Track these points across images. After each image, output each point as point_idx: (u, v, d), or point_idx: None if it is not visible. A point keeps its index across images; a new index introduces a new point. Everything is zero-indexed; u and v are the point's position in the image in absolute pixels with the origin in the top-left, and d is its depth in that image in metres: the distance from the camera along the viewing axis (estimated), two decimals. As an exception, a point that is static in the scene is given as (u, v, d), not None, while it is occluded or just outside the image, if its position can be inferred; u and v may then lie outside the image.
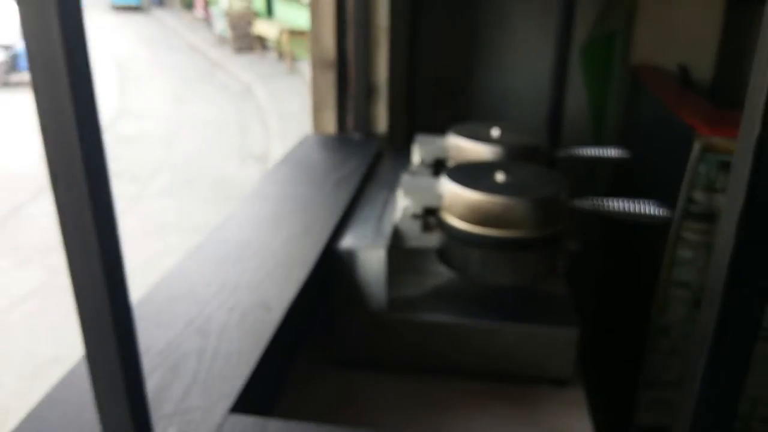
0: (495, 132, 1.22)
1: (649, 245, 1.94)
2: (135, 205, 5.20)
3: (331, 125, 1.46)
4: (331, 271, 0.92)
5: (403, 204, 0.99)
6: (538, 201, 0.92)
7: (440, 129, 1.24)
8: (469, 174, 0.99)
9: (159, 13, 17.41)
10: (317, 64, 1.43)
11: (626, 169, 2.27)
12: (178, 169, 6.20)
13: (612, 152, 1.22)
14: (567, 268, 1.03)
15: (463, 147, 1.18)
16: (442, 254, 0.99)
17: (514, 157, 1.16)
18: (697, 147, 1.64)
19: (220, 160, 6.51)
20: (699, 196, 1.68)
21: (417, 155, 1.24)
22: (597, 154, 1.22)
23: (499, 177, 0.97)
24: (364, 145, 1.38)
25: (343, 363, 0.97)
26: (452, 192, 0.94)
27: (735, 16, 2.36)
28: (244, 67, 10.43)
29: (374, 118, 1.48)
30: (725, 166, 1.66)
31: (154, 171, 6.14)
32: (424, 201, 0.98)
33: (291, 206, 1.04)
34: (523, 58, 2.70)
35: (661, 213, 0.96)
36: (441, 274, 1.02)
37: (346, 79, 1.41)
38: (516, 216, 0.92)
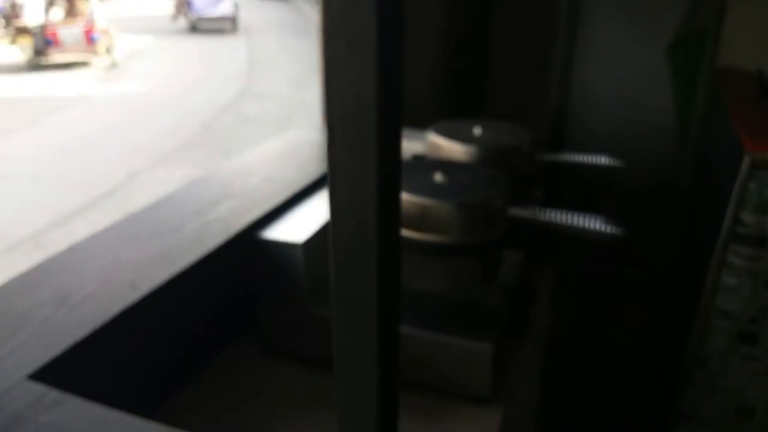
0: (477, 131, 1.16)
1: (692, 269, 1.77)
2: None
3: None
4: (258, 260, 0.93)
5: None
6: (464, 205, 0.87)
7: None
8: (406, 174, 0.95)
9: (299, 2, 18.22)
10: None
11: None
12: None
13: (603, 159, 1.12)
14: (513, 277, 0.97)
15: (440, 145, 1.14)
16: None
17: (490, 157, 1.10)
18: (746, 163, 1.47)
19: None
20: (748, 217, 1.51)
21: (395, 151, 1.21)
22: (586, 160, 1.13)
23: (437, 178, 0.93)
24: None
25: (271, 353, 0.97)
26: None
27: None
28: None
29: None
30: (782, 186, 1.47)
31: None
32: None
33: (238, 190, 1.06)
34: (603, 57, 2.54)
35: (607, 230, 0.87)
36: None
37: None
38: (440, 219, 0.87)
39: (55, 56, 10.57)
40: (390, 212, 0.35)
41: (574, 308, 2.64)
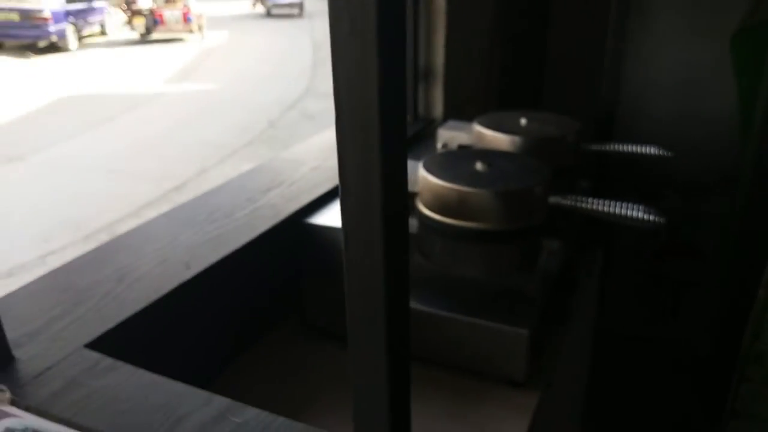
0: (522, 122, 1.17)
1: (752, 263, 1.72)
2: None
3: (386, 107, 1.49)
4: (304, 244, 0.97)
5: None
6: (502, 193, 0.88)
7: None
8: (447, 163, 0.97)
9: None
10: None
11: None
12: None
13: (652, 149, 1.11)
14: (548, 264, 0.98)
15: (485, 135, 1.15)
16: (416, 240, 0.99)
17: (534, 147, 1.11)
18: (808, 154, 1.42)
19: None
20: (808, 210, 1.45)
21: (440, 141, 1.23)
22: (635, 150, 1.12)
23: (478, 167, 0.95)
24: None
25: (317, 332, 1.02)
26: (423, 179, 0.94)
27: None
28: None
29: (431, 102, 1.48)
30: None
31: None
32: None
33: (288, 178, 1.10)
34: (665, 48, 2.48)
35: (650, 218, 0.87)
36: (415, 259, 1.02)
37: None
38: (480, 207, 0.89)
39: (160, 33, 14.25)
40: (395, 184, 0.37)
41: (631, 302, 2.59)
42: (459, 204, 0.89)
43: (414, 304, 0.94)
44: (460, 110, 1.57)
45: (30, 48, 12.14)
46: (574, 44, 2.14)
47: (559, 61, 2.52)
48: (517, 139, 1.12)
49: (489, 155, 0.99)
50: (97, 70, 10.97)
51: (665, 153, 1.10)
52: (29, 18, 11.63)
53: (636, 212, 0.88)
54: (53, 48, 12.35)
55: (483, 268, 0.94)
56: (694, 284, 2.48)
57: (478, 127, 1.16)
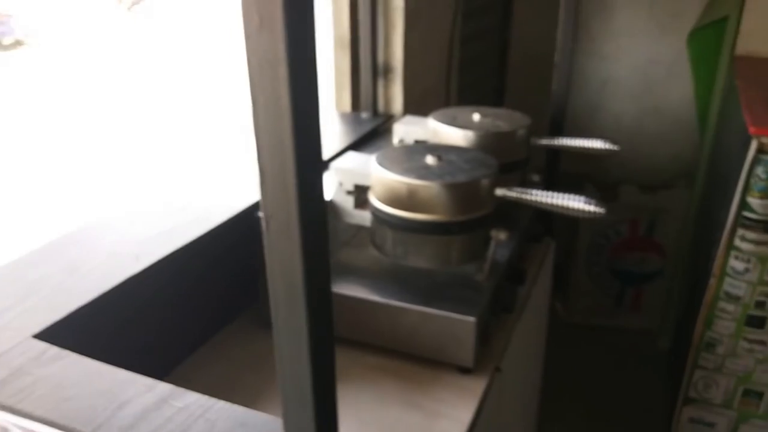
0: (475, 117, 1.20)
1: (704, 255, 1.78)
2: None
3: (347, 104, 1.51)
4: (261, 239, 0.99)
5: (336, 180, 1.03)
6: (451, 185, 0.91)
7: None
8: (400, 157, 1.00)
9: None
10: (337, 45, 1.48)
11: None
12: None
13: (599, 144, 1.14)
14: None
15: (439, 130, 1.18)
16: (369, 233, 1.02)
17: (485, 142, 1.14)
18: (753, 147, 1.48)
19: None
20: (754, 201, 1.51)
21: (397, 136, 1.26)
22: (582, 145, 1.16)
23: (429, 161, 0.97)
24: (362, 123, 1.42)
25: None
26: (375, 173, 0.96)
27: None
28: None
29: (391, 99, 1.51)
30: (790, 170, 1.48)
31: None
32: (354, 179, 1.02)
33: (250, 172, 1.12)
34: (626, 45, 2.54)
35: (590, 208, 0.91)
36: (369, 251, 1.05)
37: (359, 59, 1.45)
38: (428, 199, 0.92)
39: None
40: (311, 170, 0.39)
41: (595, 294, 2.65)
42: (409, 197, 0.92)
43: (368, 295, 0.97)
44: (420, 106, 1.60)
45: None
46: (536, 41, 2.19)
47: (523, 58, 2.57)
48: (469, 133, 1.15)
49: (440, 149, 1.02)
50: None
51: (613, 147, 1.14)
52: None
53: (577, 203, 0.91)
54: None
55: (433, 258, 0.97)
56: (656, 276, 2.55)
57: (432, 123, 1.19)
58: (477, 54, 2.13)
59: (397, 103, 1.50)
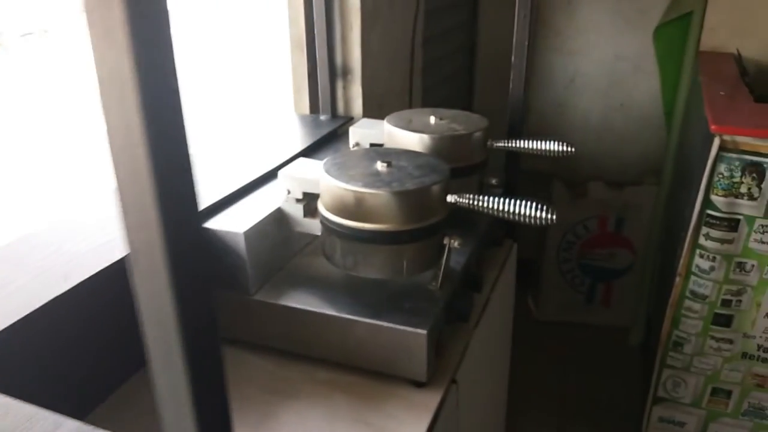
0: (432, 120, 1.17)
1: (671, 254, 1.77)
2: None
3: (306, 106, 1.47)
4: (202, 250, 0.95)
5: (285, 187, 1.00)
6: (400, 193, 0.88)
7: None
8: (347, 163, 0.96)
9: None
10: (294, 46, 1.44)
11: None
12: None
13: (555, 146, 1.12)
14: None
15: (394, 134, 1.15)
16: (321, 242, 0.98)
17: (441, 146, 1.11)
18: (715, 144, 1.46)
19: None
20: (718, 199, 1.50)
21: (352, 138, 1.23)
22: (539, 147, 1.13)
23: (378, 167, 0.94)
24: (320, 126, 1.38)
25: (226, 341, 1.00)
26: (322, 180, 0.93)
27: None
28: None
29: (350, 100, 1.47)
30: (753, 168, 1.47)
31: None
32: (303, 187, 0.98)
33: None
34: (593, 42, 2.52)
35: (541, 215, 0.88)
36: (320, 261, 1.01)
37: (316, 60, 1.41)
38: (376, 208, 0.88)
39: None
40: (177, 199, 0.34)
41: (566, 291, 2.64)
42: (357, 205, 0.89)
43: (317, 308, 0.93)
44: (383, 108, 1.57)
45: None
46: (505, 39, 2.17)
47: (492, 57, 2.54)
48: (424, 137, 1.12)
49: (392, 155, 0.99)
50: None
51: (569, 150, 1.12)
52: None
53: (528, 209, 0.88)
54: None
55: (384, 269, 0.94)
56: (626, 272, 2.55)
57: (387, 126, 1.16)
58: (442, 54, 2.10)
59: (357, 105, 1.47)
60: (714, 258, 1.55)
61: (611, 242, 2.54)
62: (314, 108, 1.46)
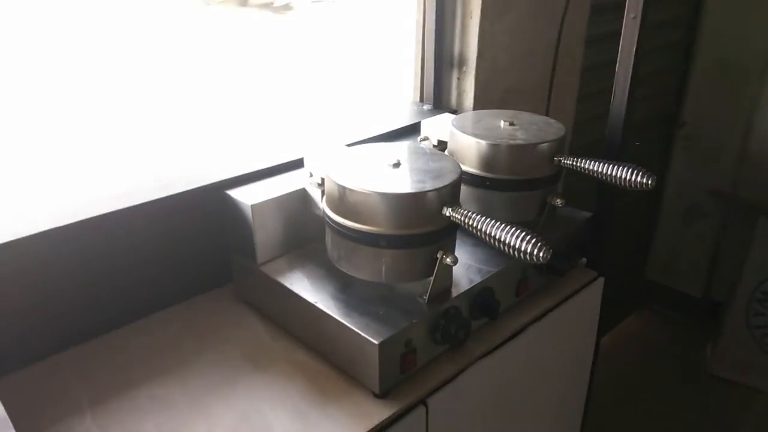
0: (500, 123, 1.08)
1: None
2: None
3: (417, 94, 1.45)
4: (226, 217, 1.02)
5: (308, 169, 1.01)
6: (384, 195, 0.84)
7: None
8: (359, 157, 0.94)
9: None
10: (417, 35, 1.42)
11: None
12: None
13: (629, 174, 0.95)
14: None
15: (455, 134, 1.08)
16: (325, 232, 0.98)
17: (496, 153, 1.02)
18: None
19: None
20: None
21: (423, 131, 1.18)
22: (609, 172, 0.97)
23: (386, 167, 0.91)
24: (415, 114, 1.35)
25: (244, 303, 1.07)
26: (326, 174, 0.92)
27: None
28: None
29: (462, 92, 1.41)
30: None
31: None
32: (321, 172, 0.98)
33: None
34: None
35: (533, 250, 0.77)
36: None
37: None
38: (358, 206, 0.86)
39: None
40: None
41: (748, 350, 2.25)
42: (352, 203, 0.87)
43: (302, 292, 0.93)
44: (503, 104, 1.48)
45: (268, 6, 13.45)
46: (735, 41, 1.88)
47: (716, 62, 2.20)
48: (482, 143, 1.03)
49: (404, 154, 0.95)
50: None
51: (647, 182, 0.94)
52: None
53: (518, 241, 0.78)
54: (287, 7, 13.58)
55: (361, 269, 0.90)
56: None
57: (450, 125, 1.10)
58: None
59: (469, 97, 1.40)
60: None
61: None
62: (422, 96, 1.43)
